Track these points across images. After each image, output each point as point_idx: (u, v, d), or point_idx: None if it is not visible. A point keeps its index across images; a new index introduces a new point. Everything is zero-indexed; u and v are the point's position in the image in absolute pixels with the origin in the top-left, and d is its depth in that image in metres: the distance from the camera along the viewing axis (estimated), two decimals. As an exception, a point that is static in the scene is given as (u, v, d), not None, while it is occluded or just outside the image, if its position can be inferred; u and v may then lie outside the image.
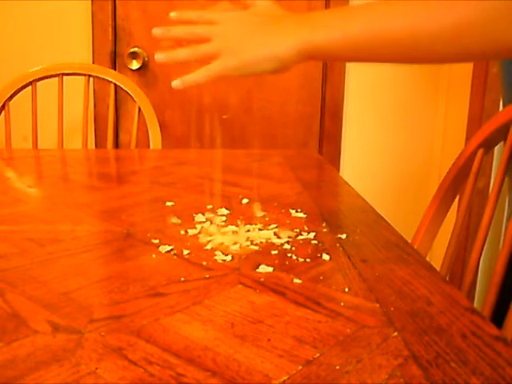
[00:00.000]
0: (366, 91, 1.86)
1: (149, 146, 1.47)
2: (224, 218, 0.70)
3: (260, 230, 0.65)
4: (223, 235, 0.63)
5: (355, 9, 0.57)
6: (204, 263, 0.54)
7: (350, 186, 0.93)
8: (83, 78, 1.49)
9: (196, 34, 0.60)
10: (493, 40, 0.51)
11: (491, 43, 0.52)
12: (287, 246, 0.60)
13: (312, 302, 0.46)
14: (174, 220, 0.68)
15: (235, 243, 0.60)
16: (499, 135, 0.87)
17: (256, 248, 0.59)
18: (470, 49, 0.53)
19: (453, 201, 0.93)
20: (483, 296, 1.58)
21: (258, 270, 0.53)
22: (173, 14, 0.61)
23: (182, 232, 0.64)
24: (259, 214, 0.73)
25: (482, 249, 0.81)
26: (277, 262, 0.56)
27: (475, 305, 0.47)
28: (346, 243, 0.62)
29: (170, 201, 0.78)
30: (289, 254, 0.58)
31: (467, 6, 0.51)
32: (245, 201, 0.79)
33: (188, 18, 0.61)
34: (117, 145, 1.91)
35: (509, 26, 0.49)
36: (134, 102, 1.48)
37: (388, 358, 0.37)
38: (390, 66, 1.81)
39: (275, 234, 0.64)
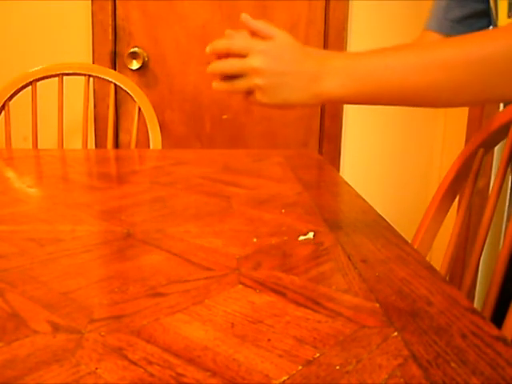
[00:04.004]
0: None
1: (149, 146, 1.47)
2: (224, 218, 0.70)
3: (260, 230, 0.65)
4: (223, 235, 0.63)
5: (372, 63, 0.60)
6: (204, 263, 0.54)
7: (350, 186, 0.93)
8: (83, 77, 1.49)
9: (234, 70, 0.64)
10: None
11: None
12: (287, 246, 0.60)
13: (312, 302, 0.46)
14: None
15: (235, 243, 0.60)
16: (499, 135, 0.87)
17: (256, 248, 0.59)
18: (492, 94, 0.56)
19: (453, 201, 0.93)
20: (483, 296, 1.58)
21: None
22: (208, 49, 0.66)
23: (182, 232, 0.64)
24: (259, 214, 0.73)
25: (482, 249, 0.81)
26: (277, 262, 0.56)
27: (475, 305, 0.47)
28: (346, 243, 0.62)
29: (170, 201, 0.78)
30: (289, 254, 0.58)
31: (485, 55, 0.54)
32: (245, 201, 0.79)
33: (220, 48, 0.65)
34: (117, 145, 1.91)
35: None
36: (134, 102, 1.48)
37: (388, 357, 0.37)
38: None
39: (275, 234, 0.64)
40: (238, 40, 0.64)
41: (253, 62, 0.62)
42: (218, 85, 0.66)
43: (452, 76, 0.55)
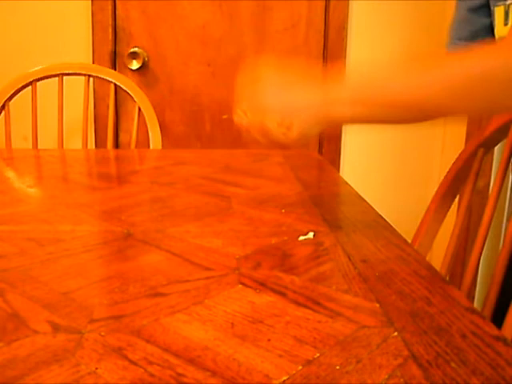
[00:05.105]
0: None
1: (149, 146, 1.47)
2: (224, 218, 0.70)
3: (260, 230, 0.65)
4: (223, 235, 0.63)
5: (372, 81, 0.61)
6: (204, 263, 0.54)
7: (350, 186, 0.93)
8: (83, 78, 1.49)
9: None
10: None
11: None
12: (287, 246, 0.60)
13: (312, 302, 0.46)
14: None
15: (235, 243, 0.60)
16: (499, 135, 0.87)
17: (256, 248, 0.59)
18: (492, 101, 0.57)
19: (453, 201, 0.93)
20: (483, 296, 1.58)
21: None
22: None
23: (182, 232, 0.64)
24: (259, 214, 0.73)
25: (482, 249, 0.81)
26: (277, 262, 0.56)
27: (475, 305, 0.47)
28: (346, 243, 0.62)
29: (170, 201, 0.78)
30: (289, 254, 0.58)
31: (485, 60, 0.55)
32: (244, 201, 0.79)
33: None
34: (117, 145, 1.91)
35: None
36: (134, 102, 1.48)
37: (388, 358, 0.37)
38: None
39: (275, 233, 0.64)
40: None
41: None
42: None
43: (454, 92, 0.55)
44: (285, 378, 0.35)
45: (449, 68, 0.56)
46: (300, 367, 0.36)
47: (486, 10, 0.83)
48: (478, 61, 0.55)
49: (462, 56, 0.57)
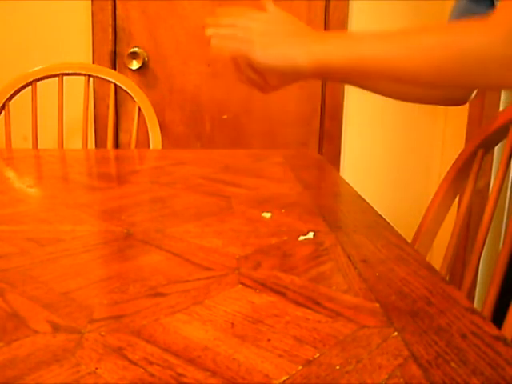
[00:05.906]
0: (365, 91, 1.86)
1: (149, 146, 1.47)
2: (224, 218, 0.70)
3: (260, 230, 0.65)
4: (223, 235, 0.63)
5: (364, 37, 0.65)
6: (204, 263, 0.54)
7: (350, 185, 0.93)
8: (83, 77, 1.49)
9: (236, 36, 0.69)
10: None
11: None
12: (287, 246, 0.60)
13: (312, 302, 0.46)
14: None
15: (235, 243, 0.60)
16: (499, 135, 0.87)
17: (256, 248, 0.59)
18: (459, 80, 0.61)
19: (453, 201, 0.93)
20: (483, 296, 1.58)
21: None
22: (209, 20, 0.71)
23: (182, 232, 0.64)
24: (259, 214, 0.73)
25: (482, 249, 0.81)
26: (277, 262, 0.56)
27: (475, 305, 0.47)
28: (346, 243, 0.62)
29: (170, 201, 0.77)
30: (289, 254, 0.58)
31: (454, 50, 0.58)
32: (244, 201, 0.79)
33: (222, 23, 0.70)
34: (117, 145, 1.91)
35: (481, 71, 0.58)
36: (134, 102, 1.48)
37: (388, 357, 0.37)
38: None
39: (275, 233, 0.64)
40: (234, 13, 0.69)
41: (248, 22, 0.67)
42: (216, 42, 0.68)
43: (430, 62, 0.59)
44: (285, 378, 0.35)
45: (431, 39, 0.60)
46: (300, 367, 0.36)
47: (488, 1, 0.83)
48: (459, 37, 0.58)
49: (445, 30, 0.60)
